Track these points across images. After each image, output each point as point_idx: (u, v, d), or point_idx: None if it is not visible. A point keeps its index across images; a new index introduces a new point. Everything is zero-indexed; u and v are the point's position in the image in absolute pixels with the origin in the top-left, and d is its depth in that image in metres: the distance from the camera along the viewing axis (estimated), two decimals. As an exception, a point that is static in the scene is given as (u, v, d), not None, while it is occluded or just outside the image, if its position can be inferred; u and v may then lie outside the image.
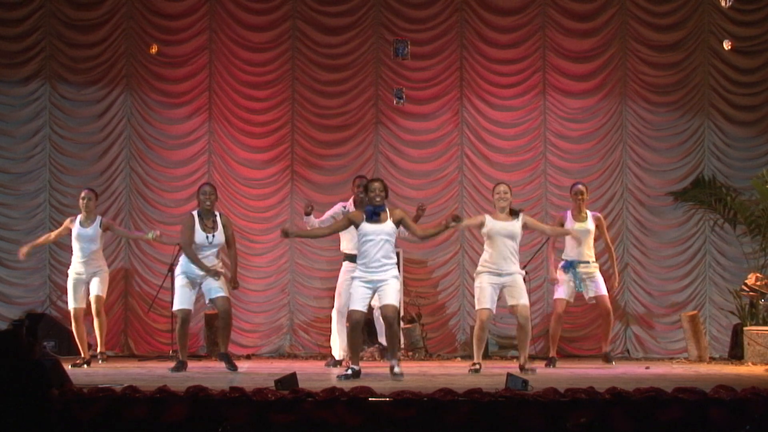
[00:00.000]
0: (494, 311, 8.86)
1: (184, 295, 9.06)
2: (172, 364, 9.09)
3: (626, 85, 11.86)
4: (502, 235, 8.72)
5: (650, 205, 11.81)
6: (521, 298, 8.70)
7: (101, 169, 11.71)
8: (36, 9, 11.75)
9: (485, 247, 8.89)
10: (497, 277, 8.71)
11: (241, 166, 11.81)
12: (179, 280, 9.11)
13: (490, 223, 8.79)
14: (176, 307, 9.13)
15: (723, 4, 9.26)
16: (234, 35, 11.86)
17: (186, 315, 9.06)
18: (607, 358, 9.93)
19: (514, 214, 8.84)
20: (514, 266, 8.78)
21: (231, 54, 11.85)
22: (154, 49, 11.49)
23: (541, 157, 11.84)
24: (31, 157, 11.72)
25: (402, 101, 11.27)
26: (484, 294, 8.72)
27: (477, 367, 8.65)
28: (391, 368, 7.96)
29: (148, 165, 11.77)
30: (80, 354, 9.75)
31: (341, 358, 9.48)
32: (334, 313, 9.60)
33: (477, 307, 8.82)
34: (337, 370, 8.72)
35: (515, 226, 8.78)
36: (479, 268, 8.88)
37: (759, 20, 11.91)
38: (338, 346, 9.54)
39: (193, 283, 9.09)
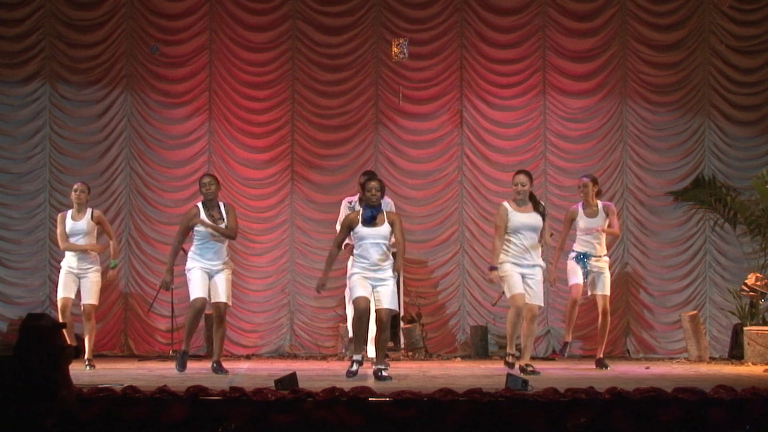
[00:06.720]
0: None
1: (199, 283, 8.64)
2: (172, 364, 9.01)
3: (626, 84, 11.85)
4: (524, 228, 8.53)
5: (650, 205, 11.80)
6: (534, 298, 8.56)
7: (101, 169, 11.70)
8: (36, 9, 11.74)
9: (506, 238, 8.59)
10: (518, 267, 8.57)
11: (241, 166, 11.81)
12: (193, 272, 8.70)
13: (513, 216, 8.56)
14: (194, 295, 8.67)
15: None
16: (234, 35, 11.86)
17: (202, 304, 8.66)
18: (600, 364, 9.46)
19: (535, 204, 8.59)
20: (536, 259, 8.59)
21: (231, 54, 11.84)
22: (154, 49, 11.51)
23: (541, 157, 11.83)
24: (31, 157, 11.72)
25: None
26: (514, 279, 8.51)
27: (511, 360, 8.46)
28: (377, 372, 7.83)
29: (148, 165, 11.77)
30: None
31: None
32: (348, 311, 9.25)
33: (508, 294, 8.58)
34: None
35: (537, 219, 8.56)
36: (501, 258, 8.61)
37: (759, 20, 11.91)
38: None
39: (208, 272, 8.70)
